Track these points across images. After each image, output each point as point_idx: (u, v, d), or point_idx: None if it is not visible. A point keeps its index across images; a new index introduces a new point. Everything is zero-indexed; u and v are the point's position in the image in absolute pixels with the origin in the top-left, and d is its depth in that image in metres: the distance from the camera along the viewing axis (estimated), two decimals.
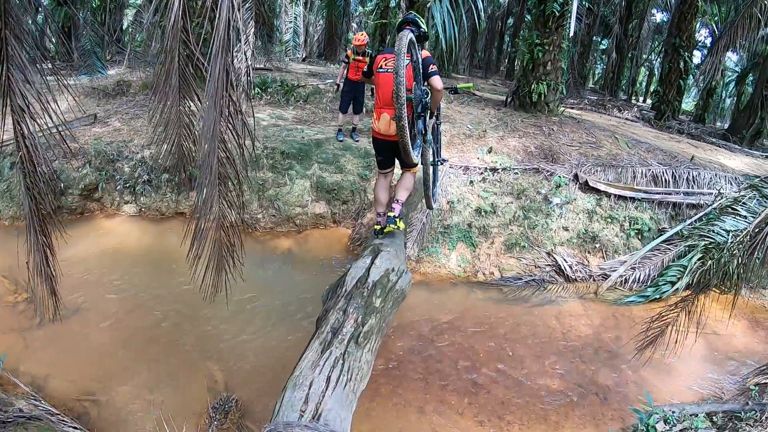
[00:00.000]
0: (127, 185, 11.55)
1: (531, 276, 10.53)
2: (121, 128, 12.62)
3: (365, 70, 6.48)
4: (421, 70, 5.75)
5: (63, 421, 6.19)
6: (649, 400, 6.73)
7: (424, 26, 6.14)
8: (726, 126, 31.43)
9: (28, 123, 5.33)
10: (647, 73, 42.83)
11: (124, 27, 26.25)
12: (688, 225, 11.51)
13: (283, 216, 11.27)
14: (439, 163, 7.40)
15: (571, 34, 11.82)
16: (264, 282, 9.66)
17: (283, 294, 9.34)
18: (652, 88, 38.45)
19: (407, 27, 5.81)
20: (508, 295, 10.05)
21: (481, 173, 11.86)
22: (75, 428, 6.15)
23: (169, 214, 11.35)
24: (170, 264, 9.56)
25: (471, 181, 11.63)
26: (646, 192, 12.01)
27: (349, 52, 12.48)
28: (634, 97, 37.52)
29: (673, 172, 12.54)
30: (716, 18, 29.98)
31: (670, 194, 12.11)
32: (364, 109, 13.24)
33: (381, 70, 6.07)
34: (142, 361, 7.49)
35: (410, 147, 5.63)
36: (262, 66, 16.83)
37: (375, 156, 6.68)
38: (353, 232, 11.23)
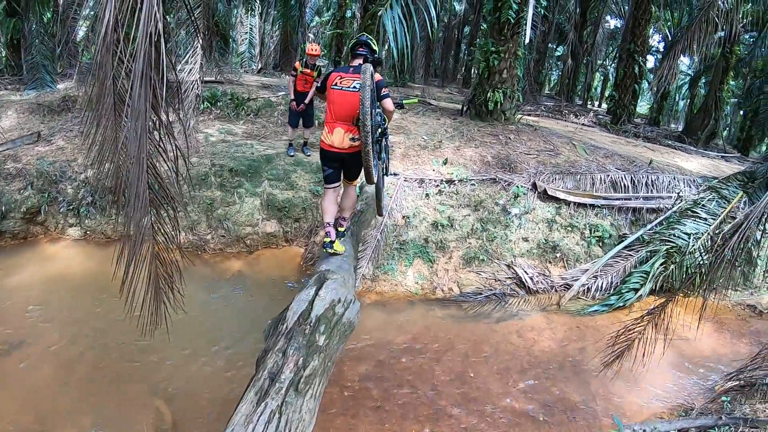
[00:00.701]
0: (71, 207, 10.95)
1: (491, 290, 10.14)
2: (65, 147, 11.97)
3: (318, 86, 6.50)
4: (375, 94, 5.85)
5: None
6: (619, 424, 6.34)
7: (377, 47, 6.50)
8: (680, 128, 31.88)
9: None
10: (602, 78, 43.21)
11: (77, 40, 25.59)
12: (649, 230, 11.37)
13: (233, 236, 10.71)
14: (391, 175, 8.00)
15: (527, 41, 11.52)
16: (213, 308, 9.08)
17: (234, 320, 8.77)
18: (607, 93, 38.86)
19: (360, 49, 6.31)
20: (468, 311, 9.64)
21: (437, 186, 11.43)
22: None
23: (114, 237, 10.70)
24: (115, 291, 8.91)
25: (427, 194, 11.19)
26: (605, 198, 11.79)
27: (297, 63, 11.97)
28: (589, 102, 37.65)
29: (632, 177, 12.39)
30: (669, 23, 30.27)
31: (629, 200, 11.93)
32: (316, 122, 12.66)
33: (336, 87, 6.12)
34: (88, 399, 6.92)
35: (373, 170, 5.89)
36: (213, 79, 16.20)
37: (322, 170, 6.56)
38: (306, 250, 10.70)
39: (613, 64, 38.01)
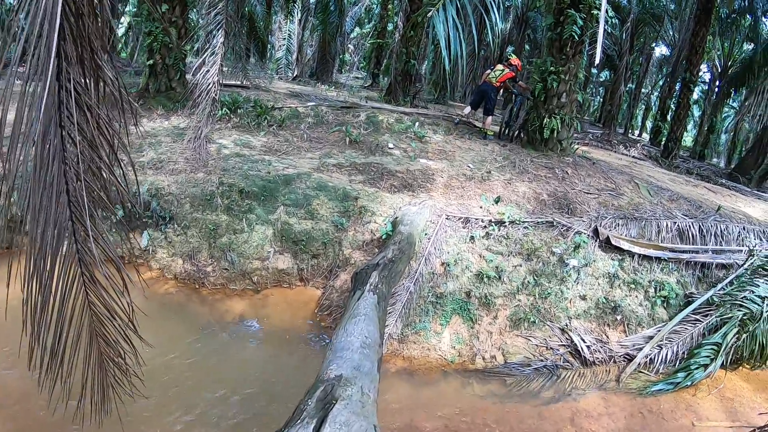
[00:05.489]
0: None
1: (542, 361, 7.94)
2: None
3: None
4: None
5: None
6: None
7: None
8: (722, 163, 29.93)
9: None
10: (644, 106, 40.93)
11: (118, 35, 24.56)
12: (719, 290, 9.14)
13: (238, 270, 8.57)
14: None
15: (597, 61, 9.43)
16: (202, 363, 6.94)
17: (224, 383, 6.63)
18: (648, 123, 37.09)
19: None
20: (512, 388, 7.42)
21: (485, 227, 9.19)
22: None
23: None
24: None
25: (472, 237, 8.97)
26: (672, 251, 9.63)
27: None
28: (630, 131, 35.48)
29: (700, 226, 10.20)
30: (719, 53, 28.24)
31: (698, 252, 9.78)
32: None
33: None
34: None
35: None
36: (238, 83, 14.20)
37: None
38: (323, 295, 8.53)
39: (656, 93, 35.97)
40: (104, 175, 3.44)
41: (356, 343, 4.37)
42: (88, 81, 3.18)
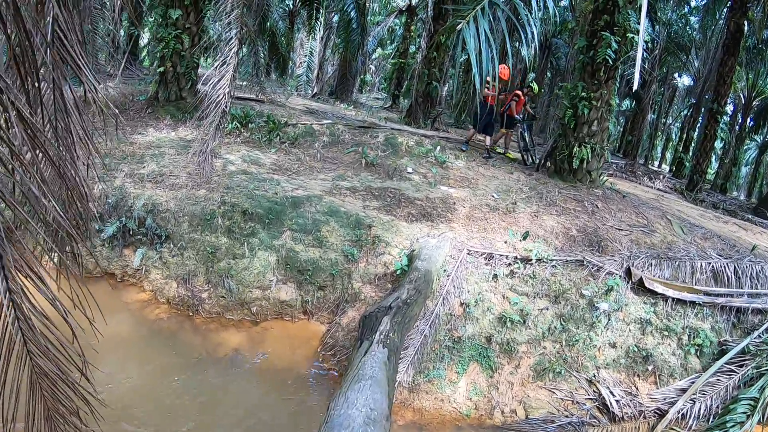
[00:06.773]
0: None
1: (567, 416, 7.01)
2: None
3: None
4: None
5: None
6: None
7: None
8: (742, 195, 29.17)
9: None
10: (664, 137, 40.02)
11: (140, 44, 24.05)
12: (755, 338, 8.27)
13: (236, 299, 7.67)
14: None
15: (635, 86, 8.50)
16: (188, 405, 6.04)
17: (212, 428, 5.76)
18: (668, 154, 36.30)
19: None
20: None
21: (510, 264, 8.22)
22: None
23: (98, 274, 7.87)
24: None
25: (495, 275, 8.00)
26: (707, 294, 8.70)
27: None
28: (650, 162, 34.56)
29: (735, 267, 9.22)
30: (743, 84, 27.40)
31: (733, 296, 8.84)
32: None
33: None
34: None
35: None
36: (253, 96, 13.36)
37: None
38: (328, 332, 7.58)
39: (677, 124, 35.04)
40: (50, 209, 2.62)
41: (359, 418, 3.46)
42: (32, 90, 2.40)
